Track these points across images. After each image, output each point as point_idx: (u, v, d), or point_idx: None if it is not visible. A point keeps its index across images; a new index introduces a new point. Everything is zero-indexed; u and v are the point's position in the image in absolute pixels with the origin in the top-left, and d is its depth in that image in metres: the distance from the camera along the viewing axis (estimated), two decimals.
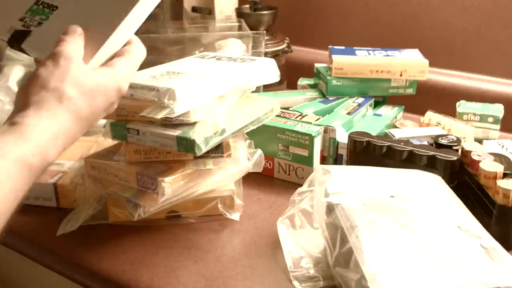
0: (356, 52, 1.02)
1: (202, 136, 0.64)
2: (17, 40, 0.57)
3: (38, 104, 0.48)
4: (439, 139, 0.77)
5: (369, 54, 1.01)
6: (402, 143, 0.74)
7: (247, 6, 1.22)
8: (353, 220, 0.55)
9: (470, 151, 0.72)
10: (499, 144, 0.86)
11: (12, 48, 0.58)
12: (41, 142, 0.46)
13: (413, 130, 0.89)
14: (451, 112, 0.97)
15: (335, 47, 1.06)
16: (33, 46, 0.56)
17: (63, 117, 0.48)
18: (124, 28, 0.56)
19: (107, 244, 0.70)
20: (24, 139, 0.45)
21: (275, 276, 0.63)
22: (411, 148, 0.73)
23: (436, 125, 0.92)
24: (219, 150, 0.70)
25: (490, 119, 0.95)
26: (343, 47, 1.05)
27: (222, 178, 0.72)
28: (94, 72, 0.52)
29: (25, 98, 0.49)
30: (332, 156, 0.87)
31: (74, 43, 0.52)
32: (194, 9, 1.25)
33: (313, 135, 0.81)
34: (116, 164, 0.69)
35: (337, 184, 0.62)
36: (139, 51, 0.57)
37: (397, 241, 0.52)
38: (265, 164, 0.86)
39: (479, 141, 0.86)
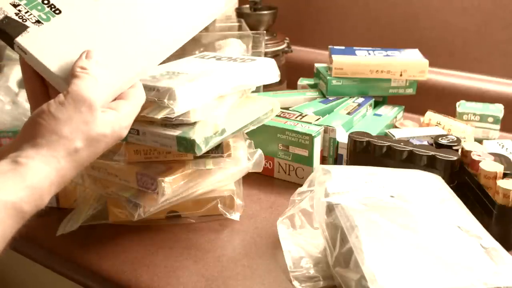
0: (356, 52, 1.02)
1: (202, 136, 0.64)
2: (8, 29, 0.51)
3: (45, 148, 0.47)
4: (439, 139, 0.77)
5: (369, 54, 1.01)
6: (402, 143, 0.74)
7: (247, 6, 1.22)
8: (353, 220, 0.55)
9: (470, 151, 0.72)
10: (499, 144, 0.86)
11: None
12: (38, 190, 0.45)
13: (413, 130, 0.89)
14: (451, 112, 0.98)
15: (335, 47, 1.06)
16: (29, 45, 0.51)
17: (65, 166, 0.48)
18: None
19: (107, 244, 0.70)
20: (23, 185, 0.44)
21: (275, 276, 0.63)
22: (411, 148, 0.73)
23: (436, 125, 0.92)
24: (219, 150, 0.70)
25: (490, 119, 0.95)
26: (343, 47, 1.05)
27: (222, 178, 0.72)
28: (103, 121, 0.49)
29: (33, 134, 0.47)
30: (332, 156, 0.87)
31: (95, 80, 0.50)
32: None
33: (313, 135, 0.81)
34: (116, 164, 0.69)
35: (337, 184, 0.62)
36: (141, 97, 0.55)
37: (397, 241, 0.52)
38: (265, 164, 0.86)
39: (479, 141, 0.86)
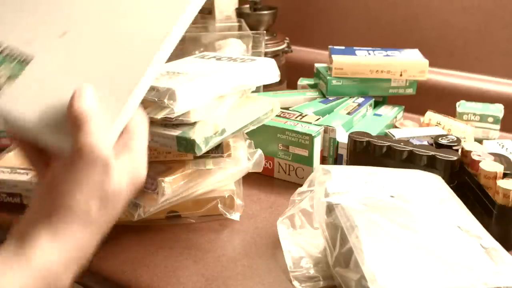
0: (356, 52, 1.02)
1: (202, 136, 0.64)
2: None
3: (57, 228, 0.42)
4: (439, 139, 0.77)
5: (369, 54, 1.01)
6: (402, 143, 0.74)
7: (247, 6, 1.22)
8: (353, 220, 0.55)
9: (470, 151, 0.72)
10: (499, 144, 0.86)
11: None
12: (51, 275, 0.41)
13: (413, 130, 0.89)
14: (451, 112, 0.97)
15: (335, 47, 1.06)
16: (8, 110, 0.43)
17: (83, 240, 0.43)
18: (143, 89, 0.45)
19: (107, 244, 0.69)
20: (29, 272, 0.40)
21: (275, 276, 0.63)
22: (411, 148, 0.73)
23: (436, 125, 0.92)
24: (219, 150, 0.70)
25: (490, 119, 0.95)
26: (343, 47, 1.05)
27: (222, 178, 0.72)
28: (120, 172, 0.43)
29: (44, 212, 0.42)
30: (332, 156, 0.87)
31: (99, 122, 0.42)
32: None
33: (313, 135, 0.81)
34: None
35: (337, 184, 0.62)
36: (144, 123, 0.47)
37: (397, 241, 0.52)
38: (265, 164, 0.86)
39: (479, 141, 0.86)
